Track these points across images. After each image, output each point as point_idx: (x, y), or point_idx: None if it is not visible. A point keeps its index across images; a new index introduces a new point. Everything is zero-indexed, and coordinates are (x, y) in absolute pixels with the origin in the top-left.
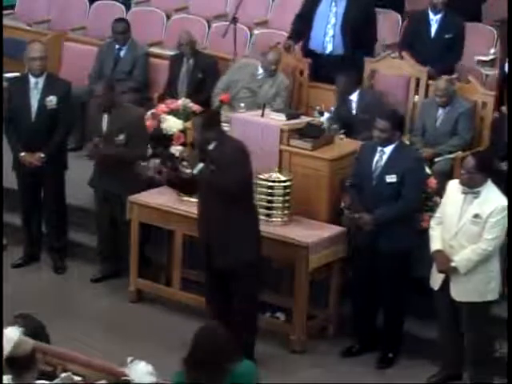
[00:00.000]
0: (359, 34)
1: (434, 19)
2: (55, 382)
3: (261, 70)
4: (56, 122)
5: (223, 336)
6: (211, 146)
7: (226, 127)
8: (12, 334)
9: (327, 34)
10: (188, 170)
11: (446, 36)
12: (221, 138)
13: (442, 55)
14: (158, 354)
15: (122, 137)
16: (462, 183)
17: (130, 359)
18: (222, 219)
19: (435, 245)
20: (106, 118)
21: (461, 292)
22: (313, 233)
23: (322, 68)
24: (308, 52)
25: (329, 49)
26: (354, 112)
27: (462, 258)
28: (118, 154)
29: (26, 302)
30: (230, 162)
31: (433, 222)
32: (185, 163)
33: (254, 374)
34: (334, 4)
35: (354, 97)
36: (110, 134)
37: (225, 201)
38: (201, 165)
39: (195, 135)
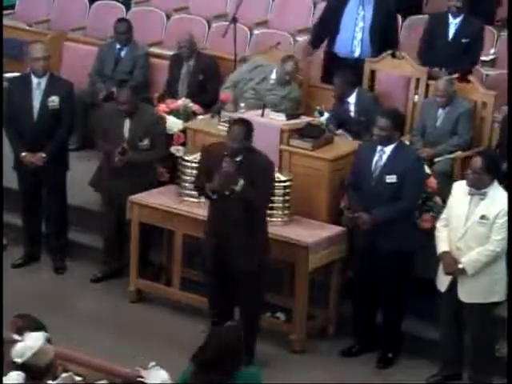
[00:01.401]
0: (385, 37)
1: (454, 22)
2: (56, 382)
3: (275, 75)
4: (58, 122)
5: (236, 338)
6: (239, 158)
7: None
8: (34, 341)
9: (356, 38)
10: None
11: (463, 40)
12: (249, 148)
13: (458, 58)
14: (157, 354)
15: (146, 141)
16: (470, 184)
17: (152, 364)
18: (244, 221)
19: (442, 246)
20: (127, 122)
21: (468, 293)
22: (313, 233)
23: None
24: (332, 56)
25: (357, 53)
26: (351, 114)
27: (469, 259)
28: (143, 159)
29: (25, 302)
30: (262, 176)
31: (439, 224)
32: (230, 179)
33: (259, 378)
34: (361, 8)
35: (352, 98)
36: (134, 139)
37: (248, 206)
38: (242, 181)
39: (234, 143)
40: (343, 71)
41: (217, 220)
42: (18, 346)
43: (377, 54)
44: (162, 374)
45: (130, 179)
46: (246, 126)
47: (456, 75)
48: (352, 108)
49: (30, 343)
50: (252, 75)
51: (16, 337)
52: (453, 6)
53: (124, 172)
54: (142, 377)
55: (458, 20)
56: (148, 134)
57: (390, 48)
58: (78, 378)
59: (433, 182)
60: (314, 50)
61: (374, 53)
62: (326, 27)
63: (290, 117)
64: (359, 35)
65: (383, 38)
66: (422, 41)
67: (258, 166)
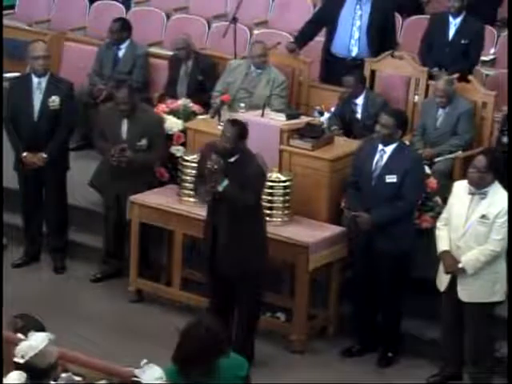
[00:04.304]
0: (383, 37)
1: (453, 23)
2: (56, 382)
3: (253, 68)
4: (58, 123)
5: (209, 330)
6: (233, 159)
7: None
8: (38, 341)
9: (353, 37)
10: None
11: (463, 41)
12: (244, 151)
13: (457, 59)
14: (157, 354)
15: (143, 141)
16: (472, 182)
17: (144, 361)
18: (231, 228)
19: (442, 245)
20: (125, 122)
21: (468, 293)
22: (313, 233)
23: (343, 71)
24: (329, 55)
25: (354, 52)
26: (358, 116)
27: (469, 258)
28: (143, 160)
29: (26, 302)
30: (253, 179)
31: (439, 223)
32: (214, 177)
33: (245, 368)
34: (358, 7)
35: (360, 100)
36: (132, 140)
37: (236, 211)
38: (226, 181)
39: (227, 143)
40: (355, 70)
41: (209, 225)
42: (22, 346)
43: (375, 54)
44: (156, 371)
45: (129, 180)
46: (240, 127)
47: (456, 75)
48: (359, 109)
49: (33, 343)
50: (233, 78)
51: (20, 336)
52: (452, 6)
53: (123, 173)
54: (136, 376)
55: (458, 20)
56: (146, 134)
57: (388, 47)
58: (77, 378)
59: (433, 182)
60: (298, 47)
61: (372, 52)
62: (315, 28)
63: (290, 117)
64: (356, 34)
65: (381, 38)
66: (422, 41)
67: (251, 169)
